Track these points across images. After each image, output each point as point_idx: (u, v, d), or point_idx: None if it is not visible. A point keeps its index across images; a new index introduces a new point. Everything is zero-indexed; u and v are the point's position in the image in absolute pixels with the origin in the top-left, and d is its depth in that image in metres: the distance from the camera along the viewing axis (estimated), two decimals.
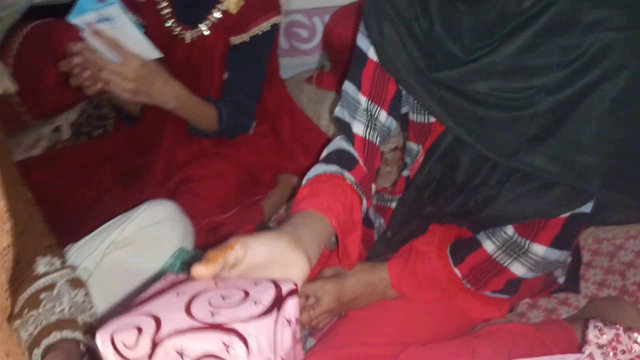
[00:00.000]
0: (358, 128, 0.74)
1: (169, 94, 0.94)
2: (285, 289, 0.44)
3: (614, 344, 0.53)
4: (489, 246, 0.70)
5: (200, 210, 0.91)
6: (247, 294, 0.43)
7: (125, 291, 0.70)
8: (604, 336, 0.53)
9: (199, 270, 0.45)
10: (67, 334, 0.60)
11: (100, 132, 1.35)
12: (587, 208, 0.65)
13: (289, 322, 0.43)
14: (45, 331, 0.60)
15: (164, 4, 1.05)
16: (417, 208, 0.74)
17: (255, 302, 0.42)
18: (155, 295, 0.44)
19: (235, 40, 1.03)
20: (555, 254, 0.67)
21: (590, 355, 0.53)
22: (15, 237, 0.60)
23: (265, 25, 1.03)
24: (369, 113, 0.73)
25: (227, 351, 0.38)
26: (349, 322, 0.74)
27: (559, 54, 0.56)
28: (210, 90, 1.07)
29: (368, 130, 0.73)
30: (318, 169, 0.69)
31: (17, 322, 0.62)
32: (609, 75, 0.54)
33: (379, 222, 0.84)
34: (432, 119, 0.71)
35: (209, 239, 0.91)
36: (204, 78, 1.06)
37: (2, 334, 0.60)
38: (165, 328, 0.40)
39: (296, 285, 0.45)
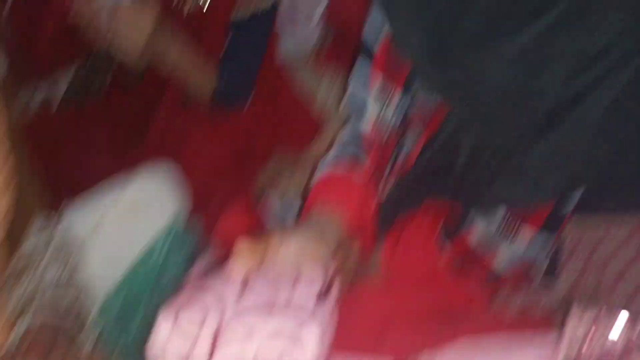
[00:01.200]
0: (373, 110, 0.74)
1: (172, 47, 0.98)
2: (329, 274, 0.46)
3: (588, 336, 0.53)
4: (479, 226, 0.71)
5: (196, 179, 0.93)
6: (295, 281, 0.44)
7: (121, 256, 0.71)
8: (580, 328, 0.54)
9: (242, 251, 0.46)
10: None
11: (96, 92, 1.35)
12: (576, 195, 0.67)
13: (335, 298, 0.45)
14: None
15: None
16: (414, 194, 0.75)
17: (309, 294, 0.43)
18: (202, 276, 0.45)
19: (235, 17, 1.06)
20: (541, 239, 0.69)
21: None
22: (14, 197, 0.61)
23: (266, 3, 1.07)
24: (384, 93, 0.72)
25: (299, 331, 0.39)
26: None
27: (573, 44, 0.55)
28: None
29: (382, 111, 0.73)
30: (331, 160, 0.72)
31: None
32: (611, 72, 0.55)
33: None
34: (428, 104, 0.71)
35: (202, 204, 0.93)
36: (200, 52, 1.07)
37: None
38: (229, 308, 0.40)
39: (335, 270, 0.48)
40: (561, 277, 0.91)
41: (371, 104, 0.73)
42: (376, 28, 0.72)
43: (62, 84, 1.40)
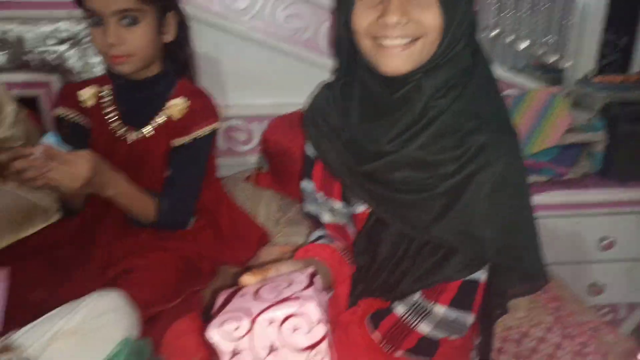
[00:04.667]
0: (326, 217, 0.91)
1: (113, 182, 0.99)
2: (310, 271, 0.66)
3: None
4: (399, 310, 0.82)
5: (141, 300, 0.91)
6: (290, 282, 0.63)
7: None
8: None
9: (247, 278, 0.66)
10: None
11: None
12: (480, 276, 0.78)
13: (320, 290, 0.64)
14: None
15: (111, 108, 1.13)
16: (352, 286, 0.85)
17: (300, 283, 0.62)
18: (225, 303, 0.62)
19: (177, 142, 1.11)
20: (453, 314, 0.79)
21: None
22: None
23: (205, 130, 1.12)
24: (327, 204, 0.89)
25: (303, 308, 0.57)
26: None
27: (450, 151, 0.73)
28: (151, 187, 1.11)
29: (333, 217, 0.90)
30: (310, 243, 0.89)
31: None
32: (486, 166, 0.72)
33: None
34: (360, 210, 0.86)
35: (146, 328, 0.92)
36: (143, 176, 1.11)
37: None
38: (254, 311, 0.58)
39: (315, 270, 0.67)
40: None
41: (323, 215, 0.91)
42: (311, 155, 0.87)
43: None
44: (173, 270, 1.06)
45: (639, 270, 1.54)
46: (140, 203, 1.05)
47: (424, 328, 0.80)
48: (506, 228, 0.74)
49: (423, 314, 0.80)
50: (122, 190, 1.01)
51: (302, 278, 0.64)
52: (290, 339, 0.58)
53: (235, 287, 0.67)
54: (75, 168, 0.90)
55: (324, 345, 0.59)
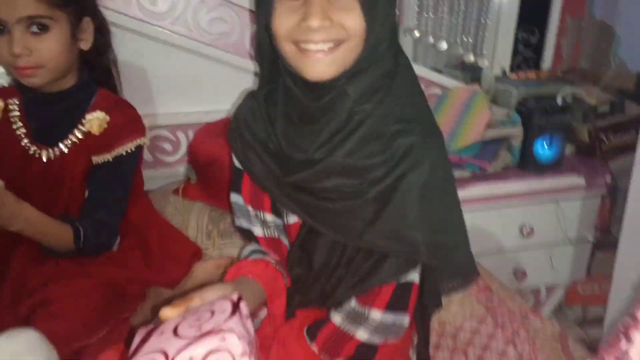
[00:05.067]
0: (257, 231, 0.89)
1: (19, 216, 0.89)
2: (235, 298, 0.63)
3: None
4: (336, 319, 0.81)
5: (62, 335, 0.84)
6: (212, 312, 0.59)
7: None
8: None
9: (167, 312, 0.62)
10: None
11: None
12: (413, 277, 0.80)
13: (247, 316, 0.61)
14: None
15: (19, 124, 1.04)
16: (289, 298, 0.84)
17: (223, 312, 0.59)
18: (142, 342, 0.57)
19: (98, 159, 1.03)
20: (390, 318, 0.80)
21: None
22: None
23: (129, 146, 1.05)
24: (258, 217, 0.88)
25: (224, 343, 0.54)
26: None
27: (378, 155, 0.73)
28: (70, 207, 1.04)
29: (265, 230, 0.89)
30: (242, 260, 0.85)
31: None
32: (414, 167, 0.73)
33: None
34: (291, 221, 0.85)
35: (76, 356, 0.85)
36: (62, 195, 1.03)
37: None
38: (171, 351, 0.54)
39: (240, 295, 0.64)
40: None
41: (255, 228, 0.90)
42: (238, 167, 0.85)
43: None
44: (97, 298, 0.97)
45: (557, 255, 1.65)
46: (54, 232, 0.95)
47: (362, 334, 0.80)
48: (437, 228, 0.75)
49: (360, 321, 0.80)
50: (31, 222, 0.91)
51: (225, 306, 0.60)
52: None
53: (154, 322, 0.62)
54: None
55: None
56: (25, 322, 0.87)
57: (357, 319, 0.80)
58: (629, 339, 0.66)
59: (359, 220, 0.75)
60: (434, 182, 0.74)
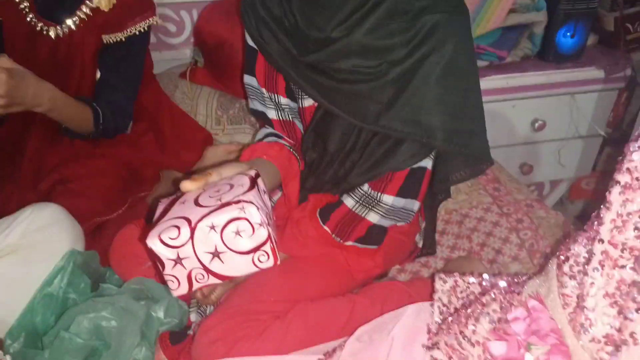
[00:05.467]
0: (272, 114, 0.87)
1: (43, 96, 0.87)
2: (252, 174, 0.64)
3: (454, 287, 0.68)
4: (349, 202, 0.82)
5: (83, 210, 0.87)
6: (231, 185, 0.61)
7: (17, 300, 0.66)
8: (446, 284, 0.68)
9: (187, 184, 0.63)
10: None
11: None
12: (426, 163, 0.79)
13: (264, 191, 0.64)
14: None
15: None
16: (302, 181, 0.85)
17: (241, 185, 0.61)
18: (165, 212, 0.60)
19: (109, 38, 1.00)
20: (401, 202, 0.81)
21: (439, 299, 0.67)
22: None
23: (142, 25, 1.02)
24: (273, 100, 0.85)
25: (244, 212, 0.56)
26: (243, 285, 0.81)
27: (399, 35, 0.70)
28: (81, 89, 1.02)
29: (279, 113, 0.87)
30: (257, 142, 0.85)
31: None
32: (438, 47, 0.69)
33: None
34: (306, 104, 0.82)
35: (94, 238, 0.89)
36: (73, 76, 1.01)
37: None
38: (194, 218, 0.56)
39: (257, 171, 0.66)
40: (440, 249, 1.05)
41: (269, 111, 0.87)
42: (252, 46, 0.80)
43: None
44: (114, 177, 1.00)
45: (565, 150, 1.65)
46: (77, 113, 0.95)
47: (373, 217, 0.82)
48: (455, 114, 0.73)
49: (372, 204, 0.81)
50: (56, 103, 0.90)
51: (243, 181, 0.62)
52: (234, 243, 0.57)
53: (176, 194, 0.64)
54: None
55: (268, 246, 0.58)
56: (46, 199, 0.89)
57: (369, 202, 0.81)
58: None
59: (376, 103, 0.73)
60: (456, 66, 0.70)
